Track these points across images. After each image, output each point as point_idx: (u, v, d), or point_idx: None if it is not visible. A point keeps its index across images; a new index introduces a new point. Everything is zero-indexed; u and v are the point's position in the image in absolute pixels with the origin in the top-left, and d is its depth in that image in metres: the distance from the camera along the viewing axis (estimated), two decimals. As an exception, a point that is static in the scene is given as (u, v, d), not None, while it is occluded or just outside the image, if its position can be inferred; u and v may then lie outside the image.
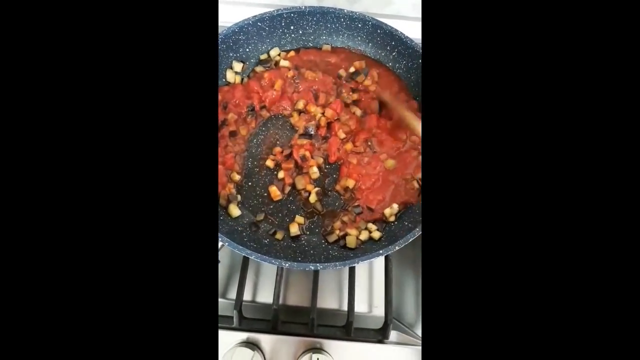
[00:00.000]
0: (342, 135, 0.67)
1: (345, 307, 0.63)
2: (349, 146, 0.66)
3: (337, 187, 0.65)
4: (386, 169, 0.65)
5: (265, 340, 0.58)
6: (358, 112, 0.70)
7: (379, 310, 0.64)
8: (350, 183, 0.65)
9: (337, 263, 0.54)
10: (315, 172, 0.66)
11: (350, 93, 0.72)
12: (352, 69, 0.74)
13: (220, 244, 0.55)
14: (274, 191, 0.64)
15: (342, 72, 0.74)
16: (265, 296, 0.65)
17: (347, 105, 0.71)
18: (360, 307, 0.63)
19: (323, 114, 0.69)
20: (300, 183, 0.65)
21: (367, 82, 0.73)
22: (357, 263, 0.54)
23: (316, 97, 0.71)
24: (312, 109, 0.69)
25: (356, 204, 0.64)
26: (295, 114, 0.70)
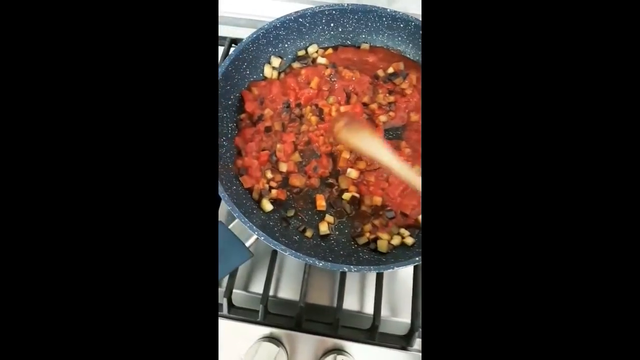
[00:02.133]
0: (347, 156, 0.66)
1: (366, 310, 0.62)
2: (361, 164, 0.65)
3: (364, 208, 0.63)
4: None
5: (288, 337, 0.58)
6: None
7: (403, 315, 0.63)
8: (377, 200, 0.63)
9: (371, 267, 0.54)
10: (351, 171, 0.65)
11: (387, 95, 0.71)
12: (390, 70, 0.73)
13: (254, 237, 0.55)
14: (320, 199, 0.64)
15: (380, 72, 0.73)
16: (288, 292, 0.65)
17: (380, 107, 0.70)
18: (383, 311, 0.62)
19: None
20: (344, 183, 0.65)
21: (405, 85, 0.71)
22: (393, 269, 0.53)
23: (348, 97, 0.70)
24: (333, 113, 0.68)
25: (389, 208, 0.63)
26: (312, 118, 0.68)
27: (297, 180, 0.65)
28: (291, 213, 0.63)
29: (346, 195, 0.64)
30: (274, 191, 0.64)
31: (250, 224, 0.54)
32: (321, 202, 0.64)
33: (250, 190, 0.64)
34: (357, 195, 0.64)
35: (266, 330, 0.59)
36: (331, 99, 0.70)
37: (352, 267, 0.53)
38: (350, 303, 0.64)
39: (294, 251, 0.53)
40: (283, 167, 0.65)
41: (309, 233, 0.62)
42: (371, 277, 0.64)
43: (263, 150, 0.66)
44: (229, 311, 0.60)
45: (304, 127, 0.68)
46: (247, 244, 0.56)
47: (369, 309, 0.60)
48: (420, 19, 0.71)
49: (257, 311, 0.59)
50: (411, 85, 0.71)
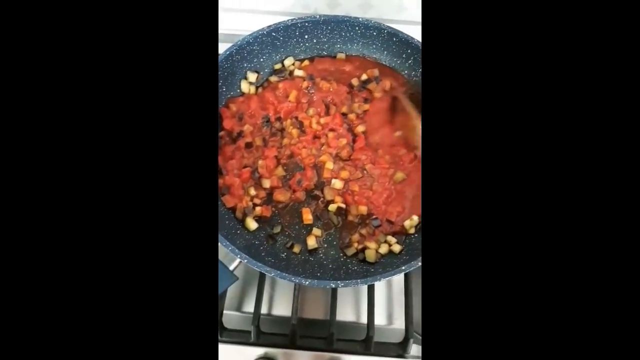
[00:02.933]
0: (331, 166, 0.65)
1: (363, 320, 0.62)
2: (344, 174, 0.64)
3: (350, 218, 0.63)
4: (396, 182, 0.64)
5: (283, 355, 0.58)
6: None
7: (398, 323, 0.63)
8: (363, 210, 0.63)
9: (358, 280, 0.53)
10: (336, 182, 0.65)
11: (362, 103, 0.71)
12: (364, 77, 0.72)
13: (238, 260, 0.54)
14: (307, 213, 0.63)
15: (354, 81, 0.72)
16: (282, 309, 0.65)
17: (358, 117, 0.70)
18: (378, 319, 0.62)
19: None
20: (329, 194, 0.65)
21: (377, 93, 0.71)
22: (379, 280, 0.53)
23: (328, 108, 0.70)
24: (314, 125, 0.68)
25: (374, 216, 0.63)
26: (293, 131, 0.68)
27: (281, 196, 0.64)
28: (277, 229, 0.63)
29: (332, 207, 0.64)
30: (258, 208, 0.63)
31: (232, 246, 0.53)
32: (307, 216, 0.63)
33: (233, 210, 0.63)
34: (343, 205, 0.64)
35: (260, 351, 0.58)
36: (311, 111, 0.70)
37: (339, 282, 0.53)
38: (345, 314, 0.64)
39: (279, 271, 0.52)
40: (266, 184, 0.65)
41: (296, 249, 0.62)
42: (364, 287, 0.63)
43: (245, 167, 0.65)
44: (220, 334, 0.59)
45: (285, 141, 0.68)
46: (232, 266, 0.55)
47: (365, 319, 0.59)
48: (394, 26, 0.71)
49: (250, 332, 0.58)
50: (383, 91, 0.71)
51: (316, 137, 0.69)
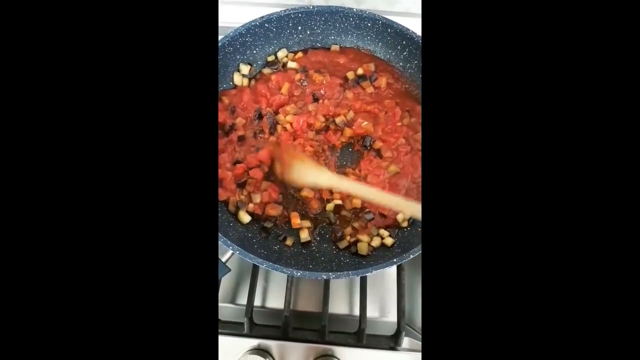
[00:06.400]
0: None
1: (355, 312, 0.62)
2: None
3: (344, 212, 0.63)
4: (389, 174, 0.63)
5: (276, 346, 0.58)
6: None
7: (391, 316, 0.63)
8: (357, 203, 0.62)
9: (349, 272, 0.53)
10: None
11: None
12: (360, 71, 0.72)
13: (230, 252, 0.54)
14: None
15: (350, 74, 0.72)
16: (275, 301, 0.65)
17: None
18: (371, 312, 0.62)
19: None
20: (326, 192, 0.64)
21: (369, 89, 0.70)
22: (371, 272, 0.53)
23: (315, 100, 0.69)
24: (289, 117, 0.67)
25: (367, 210, 0.63)
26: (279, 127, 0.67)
27: (273, 210, 0.63)
28: (270, 223, 0.63)
29: (329, 206, 0.63)
30: (251, 204, 0.63)
31: (225, 238, 0.53)
32: (296, 220, 0.62)
33: (225, 203, 0.63)
34: (340, 202, 0.63)
35: (254, 342, 0.58)
36: (289, 108, 0.68)
37: (330, 273, 0.53)
38: (339, 307, 0.64)
39: (271, 263, 0.52)
40: (256, 199, 0.63)
41: (289, 241, 0.62)
42: (357, 280, 0.64)
43: (237, 162, 0.65)
44: (213, 327, 0.59)
45: (272, 139, 0.67)
46: (224, 258, 0.55)
47: (357, 311, 0.59)
48: (388, 18, 0.70)
49: (243, 324, 0.58)
50: (376, 89, 0.70)
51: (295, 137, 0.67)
